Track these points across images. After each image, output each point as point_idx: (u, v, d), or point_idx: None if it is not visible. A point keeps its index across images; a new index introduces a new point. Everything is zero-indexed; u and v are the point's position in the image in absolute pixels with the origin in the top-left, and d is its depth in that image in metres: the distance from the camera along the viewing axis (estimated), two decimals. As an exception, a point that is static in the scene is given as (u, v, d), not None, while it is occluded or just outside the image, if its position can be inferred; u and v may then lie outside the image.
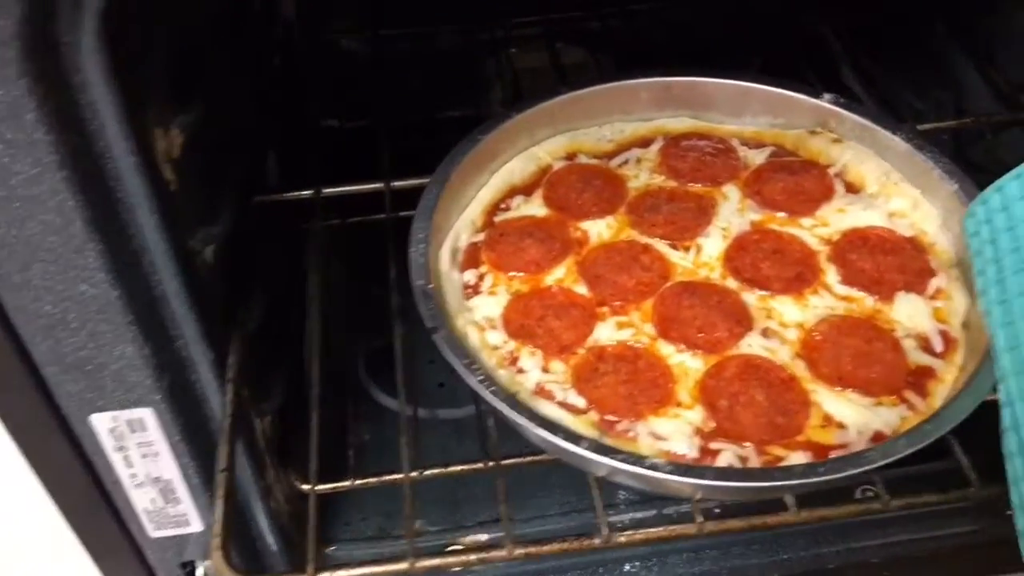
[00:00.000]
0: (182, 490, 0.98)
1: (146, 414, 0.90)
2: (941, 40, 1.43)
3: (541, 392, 0.92)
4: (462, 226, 1.09)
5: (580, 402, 0.91)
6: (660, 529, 0.92)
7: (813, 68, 1.43)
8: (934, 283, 1.00)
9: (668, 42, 1.52)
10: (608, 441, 0.87)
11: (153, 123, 0.84)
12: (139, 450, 0.93)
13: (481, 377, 0.87)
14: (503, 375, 0.93)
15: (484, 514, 1.23)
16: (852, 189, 1.11)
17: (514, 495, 1.21)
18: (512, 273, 1.04)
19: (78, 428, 0.90)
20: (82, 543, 1.02)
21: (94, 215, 0.76)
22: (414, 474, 1.02)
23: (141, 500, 0.98)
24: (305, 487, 1.06)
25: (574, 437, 0.83)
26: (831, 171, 1.12)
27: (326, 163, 1.27)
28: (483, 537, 1.21)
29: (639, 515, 1.21)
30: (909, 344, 0.95)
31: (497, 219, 1.11)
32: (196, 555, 1.05)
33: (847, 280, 1.01)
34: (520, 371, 0.94)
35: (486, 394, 0.86)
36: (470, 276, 1.04)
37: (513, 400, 0.86)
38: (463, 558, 0.92)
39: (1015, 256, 0.83)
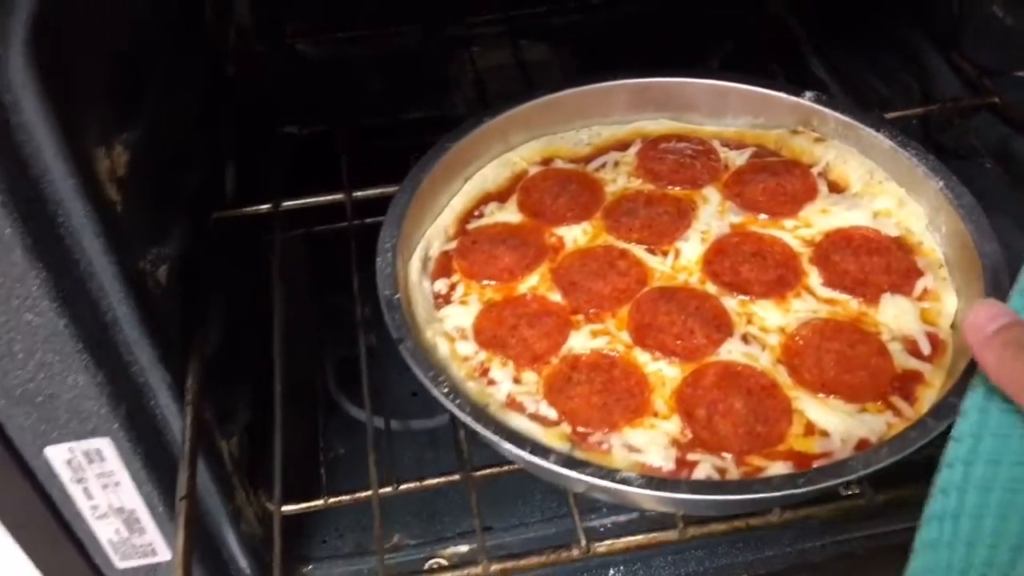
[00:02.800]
0: (147, 519, 0.95)
1: (104, 444, 0.87)
2: (906, 27, 1.42)
3: (512, 404, 0.89)
4: (434, 234, 1.06)
5: (552, 414, 0.88)
6: (640, 537, 0.89)
7: (778, 58, 1.41)
8: (921, 284, 0.96)
9: (630, 36, 1.50)
10: (579, 454, 0.83)
11: (94, 142, 0.81)
12: (99, 481, 0.90)
13: (447, 390, 0.84)
14: (472, 387, 0.90)
15: (465, 524, 1.20)
16: (835, 189, 1.07)
17: (495, 503, 1.19)
18: (485, 281, 1.01)
19: (33, 462, 0.87)
20: (45, 578, 0.98)
21: (35, 242, 0.72)
22: (388, 489, 0.99)
23: (105, 531, 0.95)
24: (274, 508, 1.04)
25: (542, 451, 0.80)
26: (814, 171, 1.08)
27: (288, 171, 1.24)
28: (464, 549, 1.18)
29: (622, 519, 1.16)
30: (895, 347, 0.91)
31: (470, 226, 1.08)
32: None
33: (830, 282, 0.97)
34: (491, 382, 0.91)
35: (452, 407, 0.83)
36: (441, 285, 1.01)
37: (480, 413, 0.83)
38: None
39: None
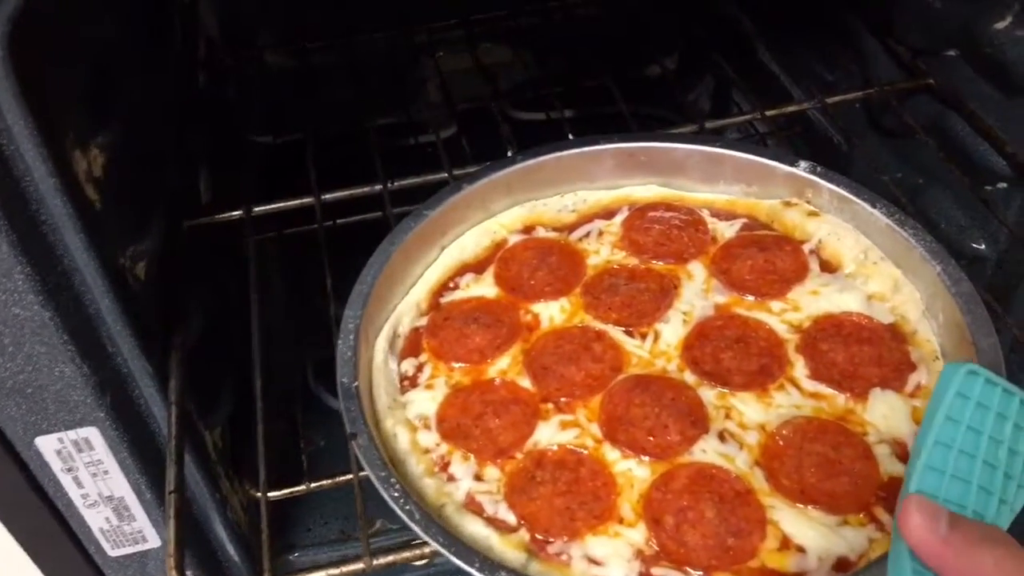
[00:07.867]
0: (136, 507, 0.98)
1: (92, 433, 0.90)
2: (845, 14, 1.45)
3: (471, 504, 0.84)
4: (405, 309, 1.02)
5: (511, 518, 0.83)
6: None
7: (728, 49, 1.48)
8: (914, 379, 0.90)
9: (586, 38, 1.55)
10: (536, 566, 0.78)
11: (72, 144, 0.85)
12: (88, 470, 0.93)
13: (397, 493, 0.79)
14: (430, 484, 0.85)
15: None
16: (828, 268, 1.02)
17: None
18: (454, 364, 0.96)
19: (24, 452, 0.90)
20: (39, 568, 1.01)
21: (19, 238, 0.76)
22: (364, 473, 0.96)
23: (95, 520, 0.98)
24: (258, 495, 1.04)
25: (492, 568, 0.75)
26: (806, 247, 1.03)
27: (260, 177, 1.31)
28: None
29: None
30: (882, 451, 0.85)
31: (444, 300, 1.03)
32: (158, 571, 1.05)
33: (816, 375, 0.92)
34: (451, 478, 0.86)
35: (401, 514, 0.78)
36: (408, 366, 0.97)
37: (429, 522, 0.78)
38: (419, 551, 0.89)
39: None
